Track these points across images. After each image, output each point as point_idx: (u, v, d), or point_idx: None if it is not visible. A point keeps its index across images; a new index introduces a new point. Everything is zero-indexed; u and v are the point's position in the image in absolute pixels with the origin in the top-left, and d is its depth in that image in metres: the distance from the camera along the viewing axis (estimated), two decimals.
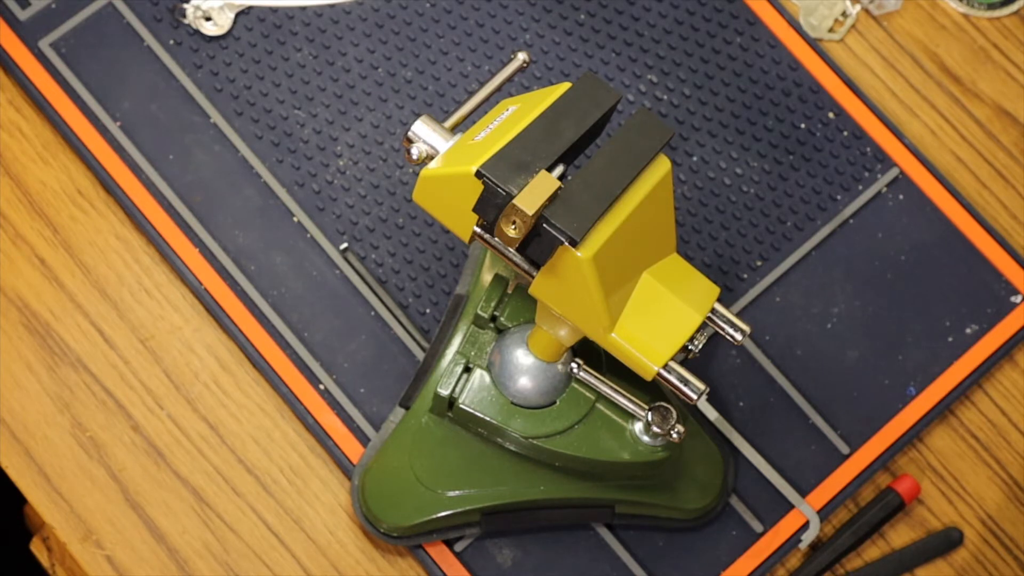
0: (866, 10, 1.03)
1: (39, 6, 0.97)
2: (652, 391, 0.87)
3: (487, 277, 0.91)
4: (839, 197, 0.98)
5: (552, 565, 0.91)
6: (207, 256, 0.94)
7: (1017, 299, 0.98)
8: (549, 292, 0.78)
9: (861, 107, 1.00)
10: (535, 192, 0.74)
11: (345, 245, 0.95)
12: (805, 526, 0.93)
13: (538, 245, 0.75)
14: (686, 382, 0.79)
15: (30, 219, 0.94)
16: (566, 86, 0.80)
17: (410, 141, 0.79)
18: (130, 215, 0.94)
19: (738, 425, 0.94)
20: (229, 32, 0.98)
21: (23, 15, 0.97)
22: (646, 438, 0.85)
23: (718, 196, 0.98)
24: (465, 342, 0.88)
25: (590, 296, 0.76)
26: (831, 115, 1.00)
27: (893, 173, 0.99)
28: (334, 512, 0.91)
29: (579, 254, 0.75)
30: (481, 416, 0.86)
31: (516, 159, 0.75)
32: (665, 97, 0.99)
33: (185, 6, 0.98)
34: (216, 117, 0.96)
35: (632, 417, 0.86)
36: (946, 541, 0.94)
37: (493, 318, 0.88)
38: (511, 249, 0.77)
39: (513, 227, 0.74)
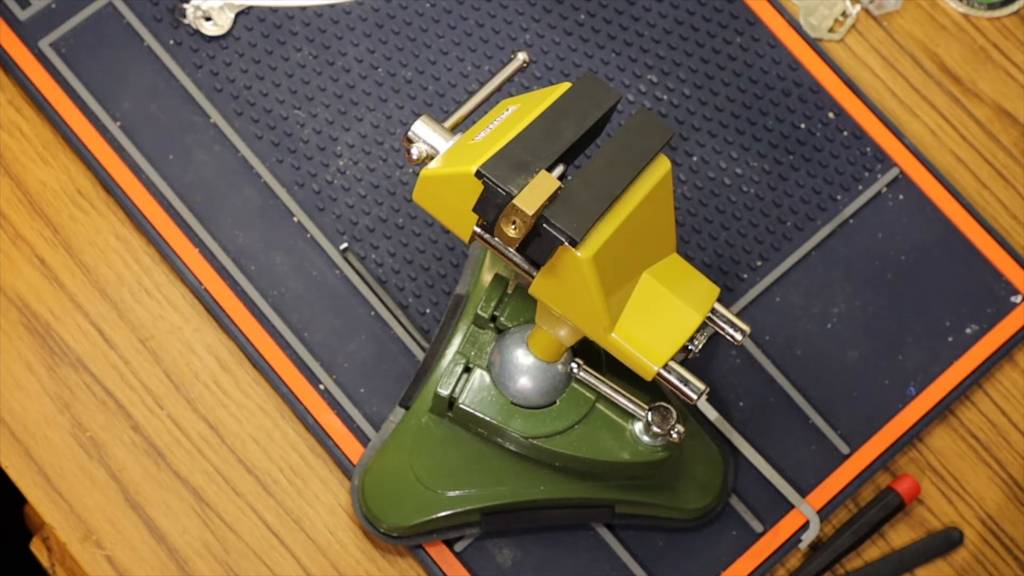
0: (866, 10, 1.03)
1: (39, 6, 0.97)
2: (652, 391, 0.87)
3: (487, 277, 0.91)
4: (839, 197, 0.98)
5: (552, 565, 0.91)
6: (207, 256, 0.94)
7: (1017, 299, 0.98)
8: (549, 292, 0.78)
9: (861, 107, 1.00)
10: (535, 192, 0.74)
11: (345, 245, 0.95)
12: (805, 526, 0.93)
13: (538, 245, 0.75)
14: (686, 382, 0.79)
15: (30, 219, 0.94)
16: (566, 86, 0.80)
17: (410, 141, 0.79)
18: (130, 215, 0.94)
19: (738, 425, 0.94)
20: (229, 32, 0.98)
21: (23, 15, 0.97)
22: (646, 438, 0.85)
23: (718, 196, 0.98)
24: (465, 342, 0.88)
25: (590, 296, 0.76)
26: (831, 115, 1.00)
27: (893, 173, 0.99)
28: (334, 512, 0.91)
29: (579, 254, 0.75)
30: (481, 416, 0.86)
31: (516, 159, 0.75)
32: (665, 97, 0.99)
33: (185, 6, 0.97)
34: (216, 117, 0.96)
35: (632, 417, 0.86)
36: (946, 541, 0.94)
37: (493, 318, 0.88)
38: (511, 249, 0.77)
39: (513, 227, 0.74)
